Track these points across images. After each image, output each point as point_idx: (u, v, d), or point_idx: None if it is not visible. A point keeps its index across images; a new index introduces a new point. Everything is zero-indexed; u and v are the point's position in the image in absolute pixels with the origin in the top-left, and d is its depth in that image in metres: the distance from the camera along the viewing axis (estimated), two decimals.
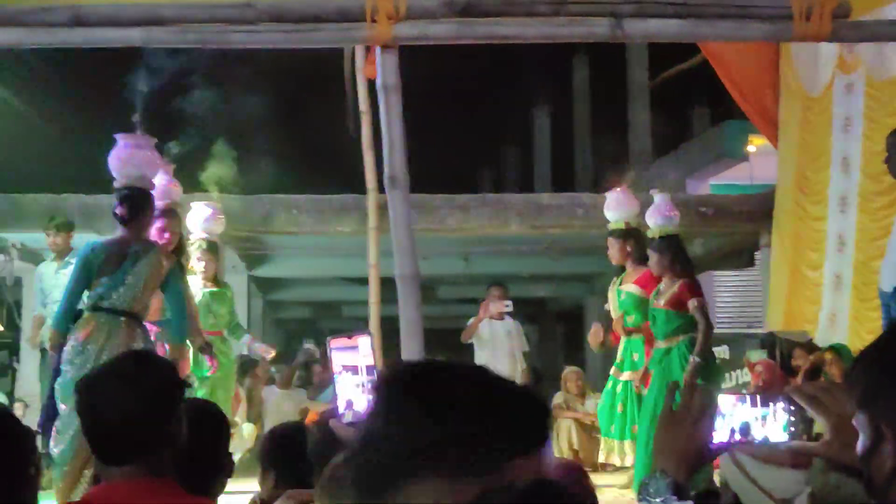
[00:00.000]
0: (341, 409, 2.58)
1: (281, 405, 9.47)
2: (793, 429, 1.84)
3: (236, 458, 10.24)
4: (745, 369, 8.52)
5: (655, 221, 6.70)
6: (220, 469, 2.77)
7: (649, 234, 6.74)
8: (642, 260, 6.92)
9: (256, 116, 10.48)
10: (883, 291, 6.02)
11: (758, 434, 1.84)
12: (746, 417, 1.83)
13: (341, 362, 2.26)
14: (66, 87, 12.83)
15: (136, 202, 5.36)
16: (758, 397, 1.86)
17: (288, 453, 3.26)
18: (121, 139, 5.42)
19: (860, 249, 8.87)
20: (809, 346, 8.44)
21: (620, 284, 7.24)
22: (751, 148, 11.95)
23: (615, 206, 7.23)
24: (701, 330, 6.31)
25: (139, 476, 2.17)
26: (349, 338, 2.27)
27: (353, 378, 2.28)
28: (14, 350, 9.39)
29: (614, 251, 7.22)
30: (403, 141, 4.69)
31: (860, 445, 1.49)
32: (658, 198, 6.84)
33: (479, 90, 15.61)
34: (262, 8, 4.50)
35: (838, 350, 7.65)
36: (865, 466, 1.49)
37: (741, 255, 12.16)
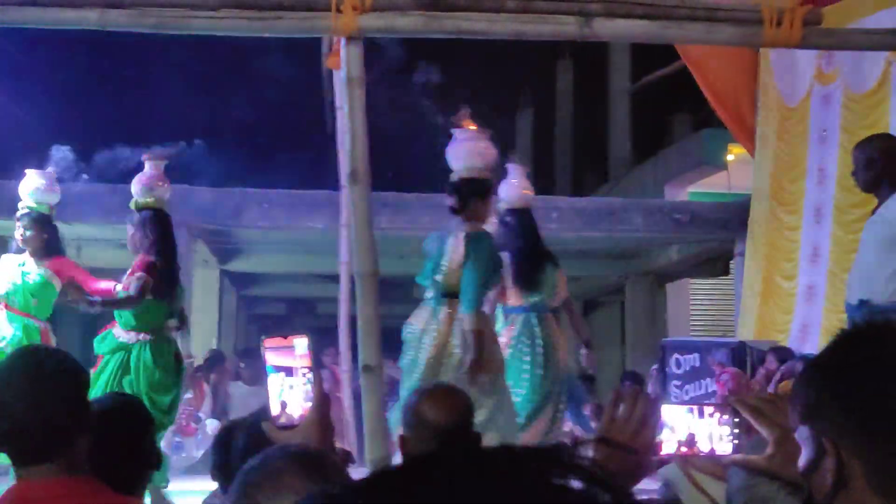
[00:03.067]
0: (275, 411, 2.49)
1: (247, 401, 9.35)
2: (737, 441, 1.77)
3: (199, 454, 10.05)
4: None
5: (137, 191, 5.80)
6: (144, 463, 2.72)
7: (130, 204, 5.81)
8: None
9: (229, 107, 10.38)
10: (849, 304, 5.96)
11: (703, 447, 1.76)
12: (694, 429, 1.76)
13: (274, 363, 2.20)
14: (39, 73, 12.68)
15: (462, 192, 5.67)
16: (705, 409, 1.79)
17: (221, 450, 3.18)
18: (456, 133, 5.73)
19: (834, 261, 8.84)
20: (782, 352, 8.40)
21: None
22: (729, 157, 11.94)
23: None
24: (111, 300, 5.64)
25: (56, 474, 2.11)
26: (284, 338, 2.21)
27: (287, 380, 2.22)
28: None
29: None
30: (366, 136, 4.61)
31: (802, 460, 1.45)
32: (148, 165, 5.89)
33: (462, 92, 15.54)
34: None
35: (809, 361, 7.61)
36: (807, 481, 1.46)
37: (716, 264, 12.12)
